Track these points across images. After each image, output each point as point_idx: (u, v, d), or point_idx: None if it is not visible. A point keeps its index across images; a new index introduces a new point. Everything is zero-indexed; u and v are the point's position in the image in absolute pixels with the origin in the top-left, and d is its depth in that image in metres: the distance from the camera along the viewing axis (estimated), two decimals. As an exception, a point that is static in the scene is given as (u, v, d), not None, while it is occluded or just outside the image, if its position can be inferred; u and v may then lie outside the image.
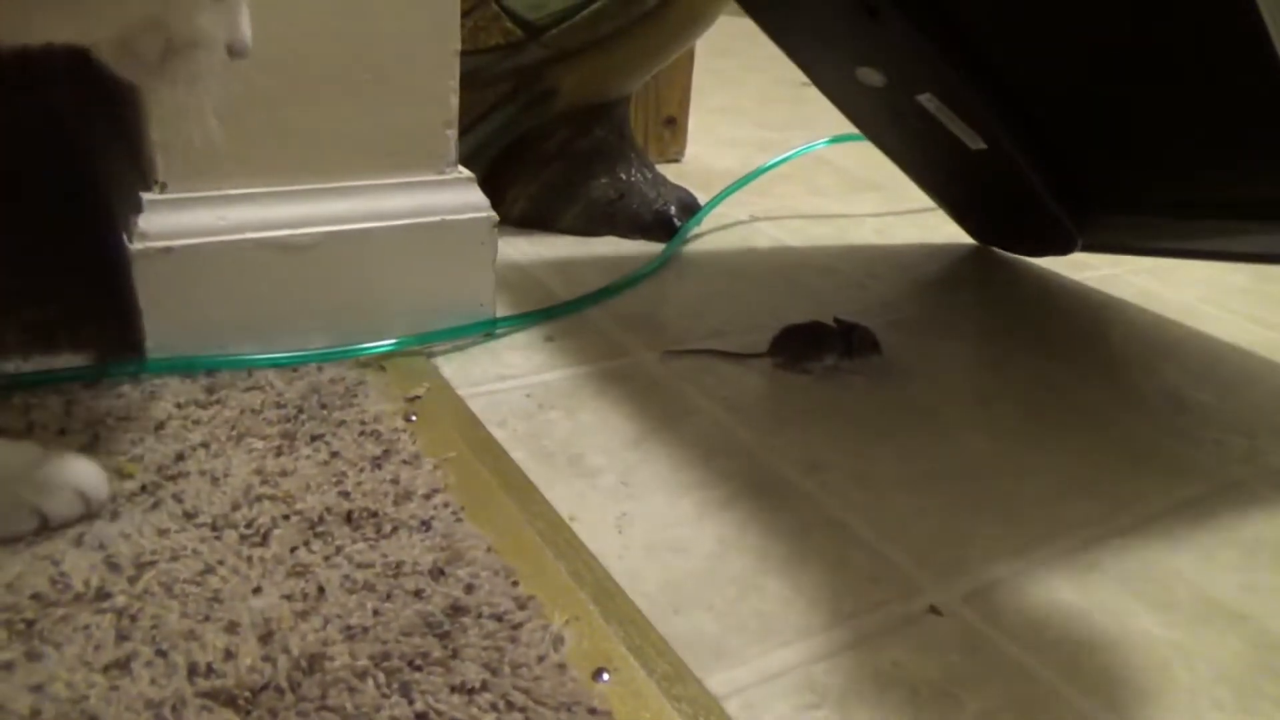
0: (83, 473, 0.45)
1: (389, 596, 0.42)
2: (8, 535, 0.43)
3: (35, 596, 0.40)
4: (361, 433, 0.53)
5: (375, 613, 0.41)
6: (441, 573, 0.43)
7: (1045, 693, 0.42)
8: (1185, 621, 0.47)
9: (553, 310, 0.72)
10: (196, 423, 0.53)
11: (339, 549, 0.44)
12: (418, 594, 0.42)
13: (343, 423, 0.54)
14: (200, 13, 0.38)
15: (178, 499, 0.46)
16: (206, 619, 0.39)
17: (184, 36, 0.38)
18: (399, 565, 0.44)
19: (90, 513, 0.44)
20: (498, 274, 0.67)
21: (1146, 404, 0.67)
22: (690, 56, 1.09)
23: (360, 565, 0.43)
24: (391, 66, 0.59)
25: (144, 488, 0.47)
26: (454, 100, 0.62)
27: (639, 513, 0.50)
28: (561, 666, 0.39)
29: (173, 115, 0.41)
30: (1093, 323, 0.83)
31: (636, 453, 0.56)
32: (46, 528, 0.43)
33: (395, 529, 0.46)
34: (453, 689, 0.37)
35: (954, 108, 0.73)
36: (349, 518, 0.46)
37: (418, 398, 0.59)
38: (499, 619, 0.41)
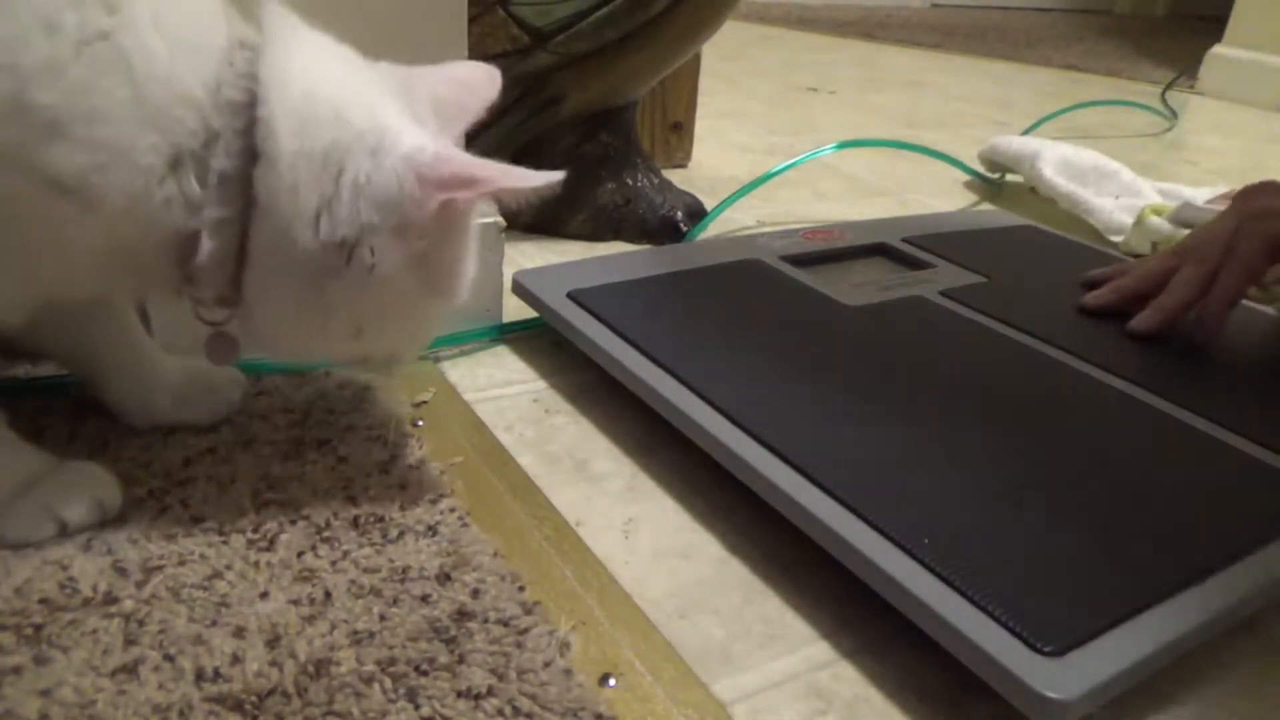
0: (100, 480, 0.45)
1: (395, 602, 0.42)
2: (27, 541, 0.43)
3: (44, 601, 0.40)
4: (368, 438, 0.53)
5: (382, 618, 0.41)
6: (448, 578, 0.43)
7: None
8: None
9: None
10: (204, 428, 0.53)
11: (345, 554, 0.44)
12: (424, 599, 0.42)
13: (350, 428, 0.54)
14: (403, 350, 0.49)
15: (185, 504, 0.47)
16: (214, 624, 0.40)
17: (387, 357, 0.49)
18: (405, 570, 0.44)
19: (105, 520, 0.45)
20: (504, 279, 0.68)
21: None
22: (697, 61, 1.09)
23: (367, 570, 0.43)
24: (399, 73, 0.59)
25: (151, 493, 0.47)
26: (461, 106, 0.62)
27: (645, 518, 0.50)
28: (568, 672, 0.39)
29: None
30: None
31: (643, 458, 0.56)
32: (64, 534, 0.44)
33: (402, 534, 0.46)
34: (459, 694, 0.37)
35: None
36: (356, 523, 0.47)
37: (424, 403, 0.59)
38: (505, 624, 0.41)
